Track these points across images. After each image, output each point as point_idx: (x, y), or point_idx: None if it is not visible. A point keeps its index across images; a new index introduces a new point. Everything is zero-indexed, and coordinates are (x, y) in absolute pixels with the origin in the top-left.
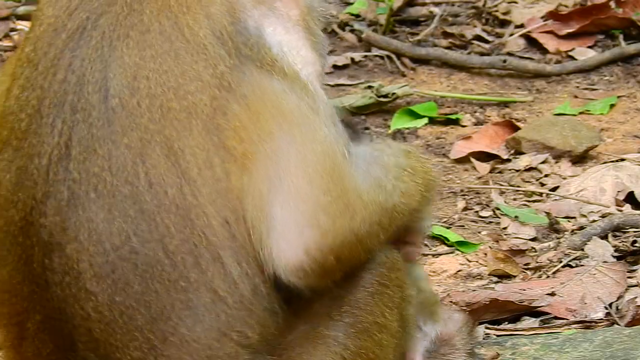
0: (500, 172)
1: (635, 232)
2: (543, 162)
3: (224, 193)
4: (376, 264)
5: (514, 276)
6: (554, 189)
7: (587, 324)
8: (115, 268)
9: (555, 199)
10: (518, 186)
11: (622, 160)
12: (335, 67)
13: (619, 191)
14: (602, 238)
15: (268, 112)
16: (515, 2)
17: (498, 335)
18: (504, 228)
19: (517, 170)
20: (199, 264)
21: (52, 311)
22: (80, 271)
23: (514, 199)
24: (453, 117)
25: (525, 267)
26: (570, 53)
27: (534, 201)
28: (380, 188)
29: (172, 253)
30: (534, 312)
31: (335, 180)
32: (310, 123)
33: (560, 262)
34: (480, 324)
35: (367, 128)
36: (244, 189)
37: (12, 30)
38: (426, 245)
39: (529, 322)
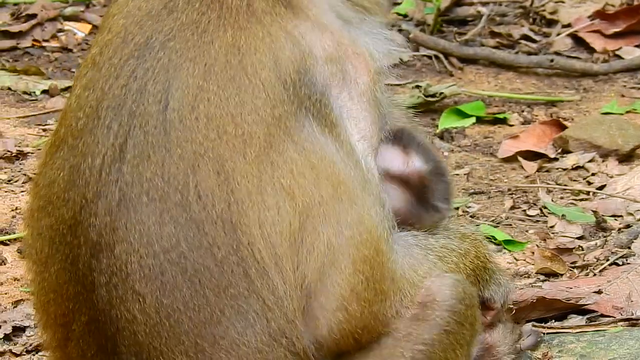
0: (547, 171)
1: None
2: (590, 161)
3: (273, 223)
4: (456, 302)
5: (561, 274)
6: (601, 188)
7: (634, 322)
8: (164, 271)
9: (602, 198)
10: (565, 185)
11: None
12: None
13: None
14: None
15: (325, 171)
16: (563, 2)
17: (545, 333)
18: (551, 227)
19: (565, 169)
20: (248, 274)
21: (97, 313)
22: (128, 272)
23: (561, 198)
24: (500, 116)
25: (572, 265)
26: (617, 52)
27: (581, 200)
28: (413, 269)
29: (220, 262)
30: (581, 310)
31: (375, 268)
32: (361, 203)
33: (607, 260)
34: (528, 322)
35: None
36: (301, 236)
37: (60, 31)
38: None
39: (575, 320)
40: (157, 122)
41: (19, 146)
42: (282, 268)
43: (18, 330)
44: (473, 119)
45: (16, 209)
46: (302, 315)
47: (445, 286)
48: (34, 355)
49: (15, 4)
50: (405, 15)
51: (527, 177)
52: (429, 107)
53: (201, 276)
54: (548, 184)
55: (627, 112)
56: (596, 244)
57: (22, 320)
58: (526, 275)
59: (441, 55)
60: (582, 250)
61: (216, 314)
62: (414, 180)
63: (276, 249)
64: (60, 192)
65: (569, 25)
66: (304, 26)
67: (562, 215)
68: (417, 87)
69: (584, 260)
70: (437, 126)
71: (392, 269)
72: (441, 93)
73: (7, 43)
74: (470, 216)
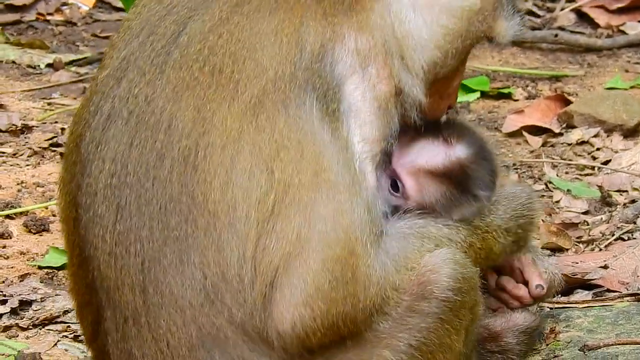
0: (552, 146)
1: None
2: (595, 136)
3: (240, 186)
4: (451, 291)
5: (567, 249)
6: (606, 163)
7: None
8: (122, 195)
9: (607, 173)
10: (570, 160)
11: None
12: None
13: None
14: None
15: (309, 155)
16: None
17: (552, 308)
18: (557, 201)
19: (569, 144)
20: (195, 221)
21: (80, 240)
22: (96, 191)
23: (566, 173)
24: (505, 91)
25: (578, 240)
26: (621, 27)
27: (586, 175)
28: (398, 264)
29: (171, 199)
30: (587, 285)
31: (345, 269)
32: (341, 199)
33: (613, 235)
34: None
35: None
36: (273, 220)
37: (64, 4)
38: None
39: (582, 294)
40: (167, 42)
41: (24, 120)
42: (239, 233)
43: (24, 304)
44: (477, 94)
45: (21, 182)
46: (261, 297)
47: (442, 275)
48: (40, 329)
49: None
50: None
51: (532, 151)
52: None
53: (152, 208)
54: (553, 158)
55: (632, 87)
56: (601, 218)
57: (28, 294)
58: None
59: None
60: (588, 225)
61: (158, 254)
62: (456, 171)
63: (237, 211)
64: (81, 110)
65: (572, 0)
66: (347, 22)
67: (568, 190)
68: None
69: (590, 235)
70: None
71: (367, 274)
72: None
73: (12, 16)
74: None
